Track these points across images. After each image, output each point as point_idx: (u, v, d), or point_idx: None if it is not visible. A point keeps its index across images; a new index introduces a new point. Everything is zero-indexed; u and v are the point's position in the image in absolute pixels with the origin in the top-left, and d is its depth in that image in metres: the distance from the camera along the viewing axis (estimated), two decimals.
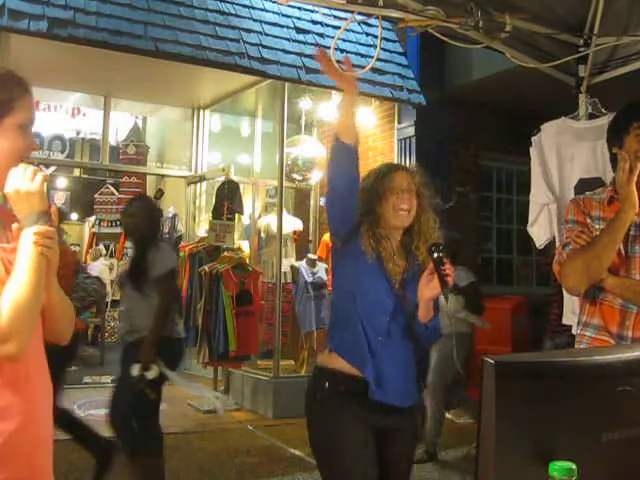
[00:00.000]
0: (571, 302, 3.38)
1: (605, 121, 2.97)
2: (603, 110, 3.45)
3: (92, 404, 6.38)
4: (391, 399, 2.20)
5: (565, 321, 3.46)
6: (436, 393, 4.91)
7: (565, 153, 3.47)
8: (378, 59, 6.41)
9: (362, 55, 6.37)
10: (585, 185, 3.23)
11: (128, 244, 12.58)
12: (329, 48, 5.52)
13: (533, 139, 3.58)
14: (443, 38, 3.23)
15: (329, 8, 5.56)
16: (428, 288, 2.13)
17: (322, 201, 7.84)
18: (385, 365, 2.19)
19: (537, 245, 3.61)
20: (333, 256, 2.43)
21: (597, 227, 2.21)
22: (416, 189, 2.29)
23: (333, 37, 6.01)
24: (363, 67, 4.37)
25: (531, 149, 3.60)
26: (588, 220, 2.24)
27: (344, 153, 2.15)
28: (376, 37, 6.35)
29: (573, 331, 3.35)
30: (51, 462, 1.49)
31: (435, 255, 2.08)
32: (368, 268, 2.21)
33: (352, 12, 3.13)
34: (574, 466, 1.04)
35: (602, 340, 2.19)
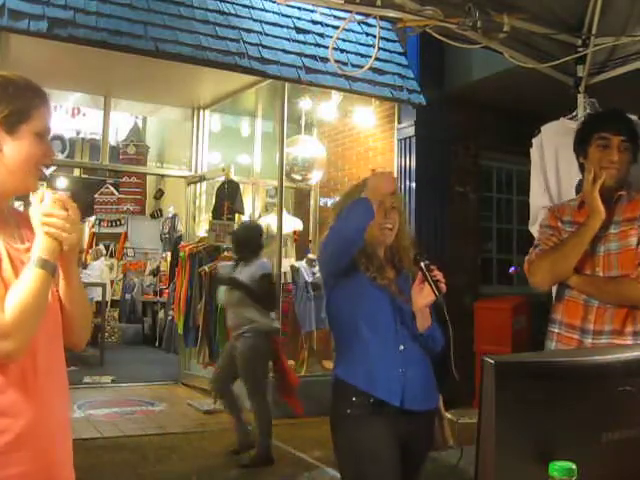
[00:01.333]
0: None
1: None
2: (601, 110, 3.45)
3: (92, 404, 6.39)
4: (418, 405, 2.24)
5: None
6: (253, 393, 4.71)
7: (564, 154, 3.46)
8: (378, 59, 6.42)
9: (362, 55, 6.37)
10: None
11: (128, 244, 12.62)
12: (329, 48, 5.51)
13: (533, 140, 3.58)
14: (441, 38, 3.23)
15: (329, 8, 5.56)
16: (421, 296, 2.18)
17: (322, 201, 7.85)
18: (407, 375, 2.22)
19: None
20: (326, 292, 2.44)
21: (567, 230, 2.43)
22: (397, 206, 2.36)
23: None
24: (362, 67, 4.37)
25: (531, 150, 3.60)
26: (559, 224, 2.46)
27: (368, 213, 2.16)
28: (376, 37, 6.35)
29: None
30: (70, 455, 1.54)
31: (422, 264, 2.15)
32: (367, 285, 2.27)
33: (351, 12, 3.13)
34: (574, 466, 1.05)
35: (567, 337, 2.38)
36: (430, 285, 2.13)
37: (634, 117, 2.98)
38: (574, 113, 3.48)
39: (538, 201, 3.53)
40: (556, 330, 2.44)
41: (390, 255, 2.39)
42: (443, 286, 2.14)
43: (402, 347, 2.23)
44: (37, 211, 1.42)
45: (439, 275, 2.14)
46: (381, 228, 2.31)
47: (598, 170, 2.32)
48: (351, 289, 2.30)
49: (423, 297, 2.17)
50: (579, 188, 3.33)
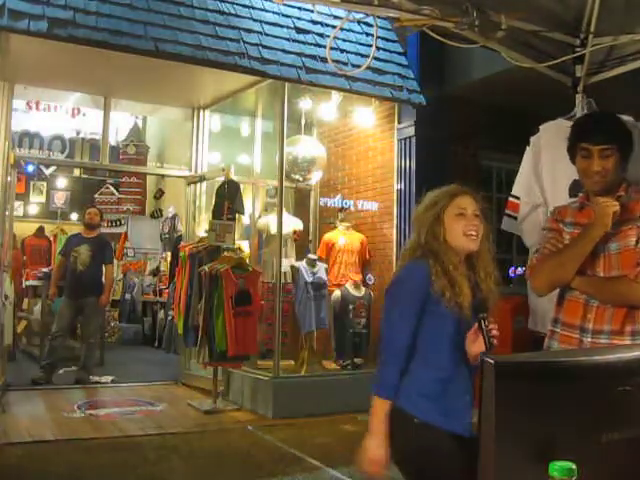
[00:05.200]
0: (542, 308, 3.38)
1: None
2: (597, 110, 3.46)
3: (92, 404, 6.39)
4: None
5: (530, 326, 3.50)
6: None
7: (560, 154, 3.47)
8: (379, 59, 6.43)
9: (362, 55, 6.37)
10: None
11: (128, 244, 12.62)
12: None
13: (532, 139, 3.59)
14: (438, 38, 3.22)
15: (329, 8, 5.57)
16: (475, 345, 2.14)
17: (322, 201, 7.84)
18: (469, 401, 2.20)
19: (527, 245, 3.62)
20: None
21: (568, 231, 2.44)
22: (481, 215, 2.26)
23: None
24: (361, 67, 4.38)
25: (527, 148, 3.60)
26: (560, 225, 2.47)
27: None
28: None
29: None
30: None
31: (481, 316, 2.09)
32: (447, 316, 2.16)
33: (349, 11, 3.13)
34: (574, 466, 1.05)
35: (567, 336, 2.39)
36: (484, 338, 2.09)
37: (629, 118, 2.98)
38: (572, 113, 3.49)
39: (527, 199, 3.55)
40: (557, 329, 2.45)
41: (468, 271, 2.23)
42: (496, 341, 2.11)
43: (467, 373, 2.20)
44: None
45: (495, 331, 2.10)
46: (465, 234, 2.19)
47: (582, 178, 2.41)
48: (434, 322, 2.18)
49: (476, 346, 2.14)
50: (573, 188, 3.34)
